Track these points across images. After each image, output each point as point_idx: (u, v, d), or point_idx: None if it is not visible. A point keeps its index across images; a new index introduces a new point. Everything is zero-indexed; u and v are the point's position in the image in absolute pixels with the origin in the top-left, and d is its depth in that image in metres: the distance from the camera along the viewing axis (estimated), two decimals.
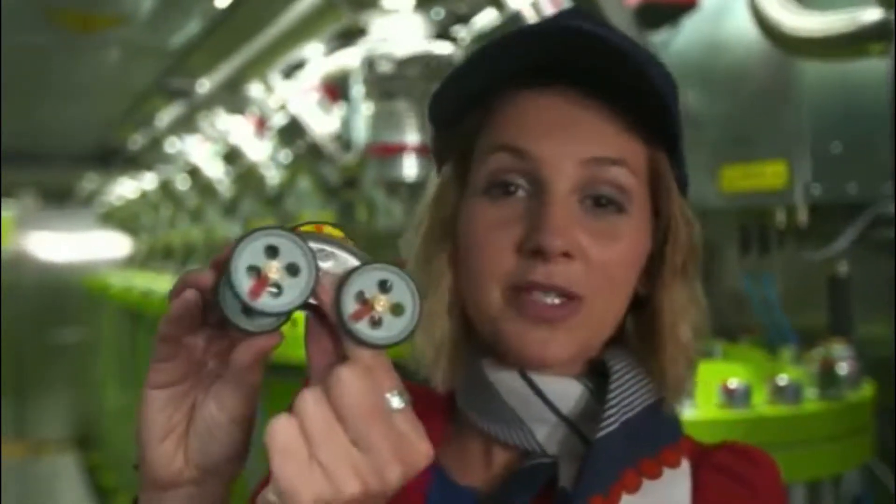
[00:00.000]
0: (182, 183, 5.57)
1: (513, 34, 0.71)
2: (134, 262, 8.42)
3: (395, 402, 0.57)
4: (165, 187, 6.09)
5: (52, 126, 6.12)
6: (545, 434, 0.73)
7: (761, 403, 1.52)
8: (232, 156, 4.25)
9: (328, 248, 0.59)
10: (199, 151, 4.90)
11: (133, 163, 6.56)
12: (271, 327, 0.59)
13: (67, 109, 5.46)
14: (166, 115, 4.92)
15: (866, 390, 1.65)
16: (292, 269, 0.57)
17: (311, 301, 0.58)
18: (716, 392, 1.50)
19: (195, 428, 0.64)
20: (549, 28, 0.71)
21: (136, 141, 6.00)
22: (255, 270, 0.56)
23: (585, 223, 0.70)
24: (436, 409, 0.80)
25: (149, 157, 6.09)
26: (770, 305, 1.91)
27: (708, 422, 1.44)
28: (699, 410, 1.45)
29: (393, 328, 0.58)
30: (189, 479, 0.64)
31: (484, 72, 0.72)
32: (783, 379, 1.54)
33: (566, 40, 0.69)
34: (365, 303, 0.57)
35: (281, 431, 0.55)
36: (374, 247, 3.56)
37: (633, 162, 0.71)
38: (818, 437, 1.53)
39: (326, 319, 0.59)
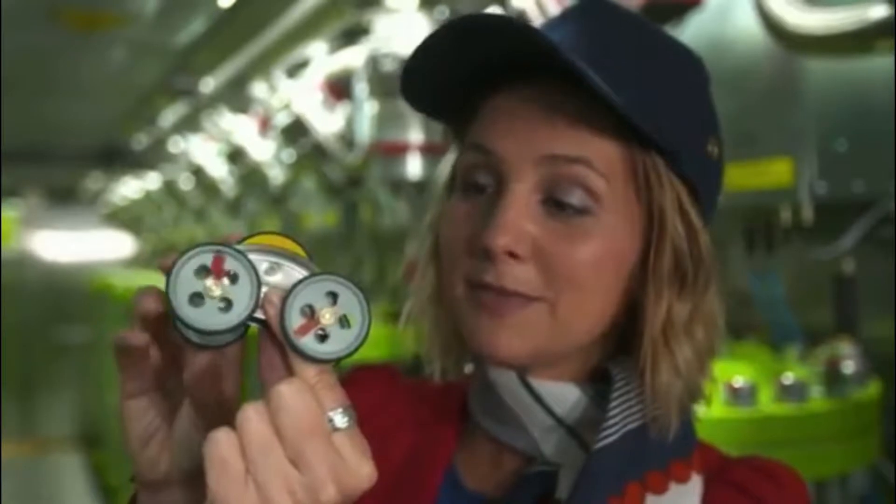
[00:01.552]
0: (186, 182, 5.57)
1: (446, 35, 0.67)
2: (138, 261, 8.43)
3: (339, 420, 0.56)
4: (169, 187, 6.09)
5: (56, 125, 6.13)
6: (543, 438, 0.72)
7: (767, 402, 1.51)
8: (236, 155, 4.25)
9: (275, 259, 0.57)
10: (203, 151, 4.90)
11: (137, 162, 6.57)
12: (224, 342, 0.59)
13: (72, 109, 5.47)
14: (170, 115, 4.93)
15: (872, 389, 1.65)
16: (235, 287, 0.56)
17: (259, 315, 0.57)
18: (721, 390, 1.49)
19: (177, 432, 0.63)
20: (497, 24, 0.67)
21: (141, 140, 6.01)
22: (197, 286, 0.55)
23: (547, 224, 0.68)
24: (452, 411, 0.80)
25: (153, 157, 6.10)
26: (775, 304, 1.91)
27: (713, 420, 1.44)
28: (704, 409, 1.45)
29: (340, 341, 0.56)
30: (178, 481, 0.64)
31: (444, 75, 0.71)
32: (789, 377, 1.53)
33: (522, 40, 0.66)
34: (312, 316, 0.56)
35: (219, 445, 0.54)
36: (379, 246, 3.55)
37: (601, 160, 0.68)
38: (824, 436, 1.52)
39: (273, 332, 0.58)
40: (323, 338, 0.56)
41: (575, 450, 0.71)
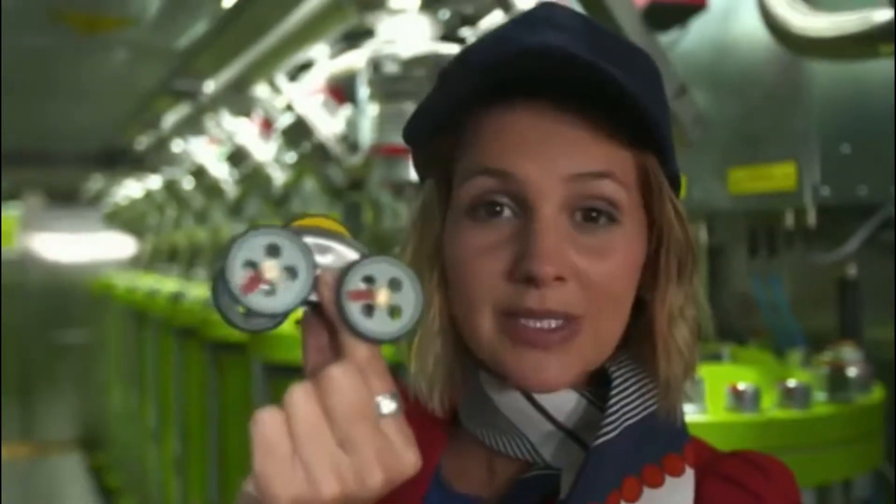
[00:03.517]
0: (187, 184, 5.57)
1: (473, 57, 0.69)
2: (139, 262, 8.43)
3: (386, 406, 0.56)
4: (171, 188, 6.09)
5: (57, 127, 6.13)
6: (542, 443, 0.72)
7: (770, 407, 1.50)
8: (237, 157, 4.25)
9: (326, 242, 0.57)
10: (205, 152, 4.90)
11: (139, 164, 6.56)
12: (268, 326, 0.58)
13: (73, 110, 5.47)
14: (172, 116, 4.93)
15: (876, 393, 1.64)
16: (290, 269, 0.56)
17: (311, 298, 0.56)
18: (724, 395, 1.49)
19: None
20: (508, 49, 0.67)
21: (142, 142, 6.01)
22: (251, 269, 0.55)
23: (577, 241, 0.68)
24: (434, 417, 0.79)
25: (154, 158, 6.09)
26: (779, 308, 1.90)
27: (717, 425, 1.43)
28: (708, 413, 1.44)
29: (395, 322, 0.57)
30: None
31: (452, 94, 0.70)
32: (792, 382, 1.53)
33: (527, 55, 0.66)
34: (366, 296, 0.56)
35: (266, 425, 0.53)
36: (380, 248, 3.55)
37: (620, 171, 0.69)
38: (827, 441, 1.52)
39: (325, 315, 0.57)
40: (377, 318, 0.56)
41: (576, 451, 0.71)
